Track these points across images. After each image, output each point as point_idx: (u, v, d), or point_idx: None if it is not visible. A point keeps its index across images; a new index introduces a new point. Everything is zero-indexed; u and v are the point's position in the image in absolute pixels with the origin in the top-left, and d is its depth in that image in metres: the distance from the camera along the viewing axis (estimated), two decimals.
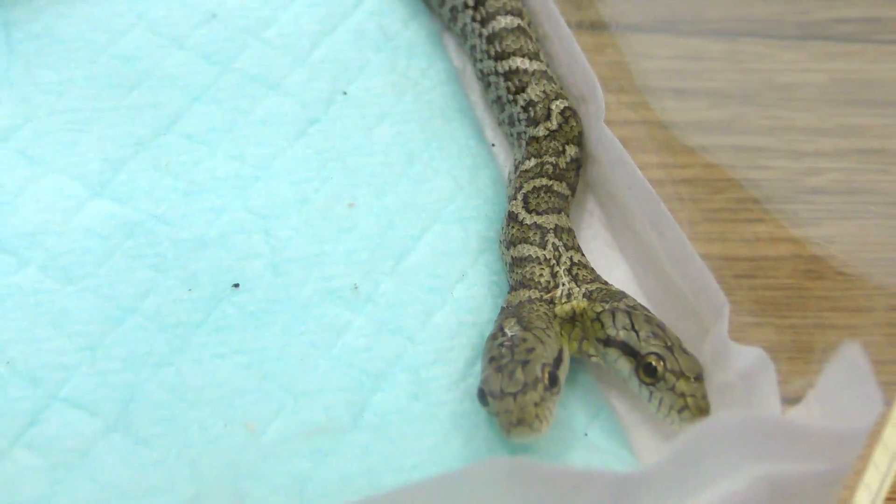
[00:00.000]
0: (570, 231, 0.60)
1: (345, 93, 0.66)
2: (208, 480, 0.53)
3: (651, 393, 0.53)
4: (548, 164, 0.62)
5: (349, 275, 0.59)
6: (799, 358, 0.54)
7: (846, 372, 0.45)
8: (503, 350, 0.53)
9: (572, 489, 0.44)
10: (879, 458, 0.46)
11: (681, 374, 0.53)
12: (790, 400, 0.51)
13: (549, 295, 0.57)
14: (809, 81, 0.74)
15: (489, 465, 0.43)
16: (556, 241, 0.59)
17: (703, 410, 0.53)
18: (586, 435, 0.54)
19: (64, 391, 0.55)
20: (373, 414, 0.55)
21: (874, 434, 0.45)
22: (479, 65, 0.67)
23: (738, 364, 0.52)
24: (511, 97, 0.64)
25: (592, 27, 0.73)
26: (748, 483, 0.45)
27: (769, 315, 0.61)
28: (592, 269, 0.59)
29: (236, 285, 0.58)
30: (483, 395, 0.52)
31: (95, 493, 0.52)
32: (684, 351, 0.54)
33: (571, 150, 0.62)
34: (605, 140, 0.61)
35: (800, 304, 0.63)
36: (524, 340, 0.53)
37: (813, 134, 0.71)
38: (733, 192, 0.68)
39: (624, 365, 0.54)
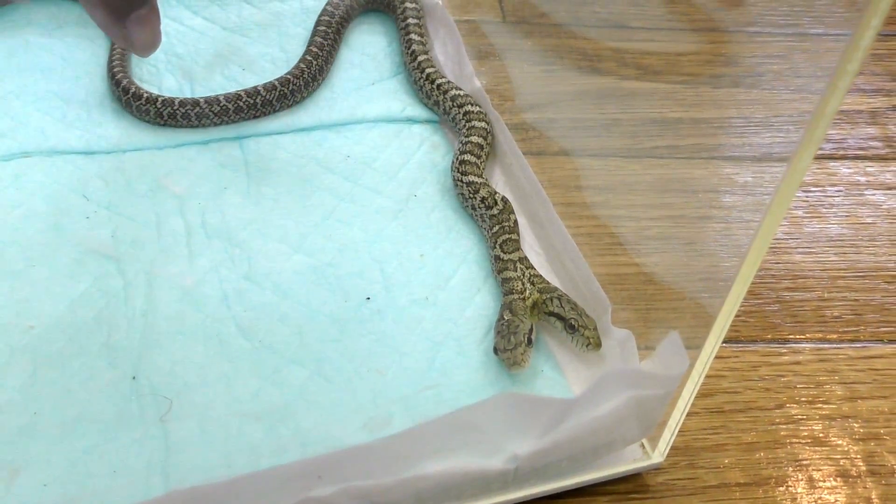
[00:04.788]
0: (525, 259, 0.62)
1: (415, 195, 0.67)
2: (362, 399, 0.54)
3: (573, 337, 0.57)
4: (506, 225, 0.63)
5: (423, 292, 0.60)
6: (645, 333, 0.56)
7: (671, 346, 0.48)
8: (503, 326, 0.56)
9: (540, 406, 0.47)
10: (686, 388, 0.49)
11: (586, 327, 0.56)
12: (642, 357, 0.55)
13: (523, 296, 0.59)
14: (643, 180, 0.75)
15: (498, 397, 0.46)
16: (521, 265, 0.61)
17: (599, 344, 0.56)
18: (543, 371, 0.57)
19: (288, 355, 0.56)
20: (438, 363, 0.56)
21: (684, 375, 0.48)
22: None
23: (616, 338, 0.56)
24: (471, 196, 0.66)
25: (537, 154, 0.73)
26: (624, 400, 0.48)
27: (628, 305, 0.62)
28: (541, 275, 0.61)
29: (368, 298, 0.60)
30: (495, 350, 0.56)
31: (310, 406, 0.53)
32: (587, 315, 0.57)
33: (514, 217, 0.64)
34: (553, 219, 0.64)
35: (643, 298, 0.65)
36: (513, 321, 0.56)
37: (646, 209, 0.72)
38: (608, 239, 0.69)
39: (559, 324, 0.57)
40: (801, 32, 0.95)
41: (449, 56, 0.78)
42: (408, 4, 0.80)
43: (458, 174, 0.67)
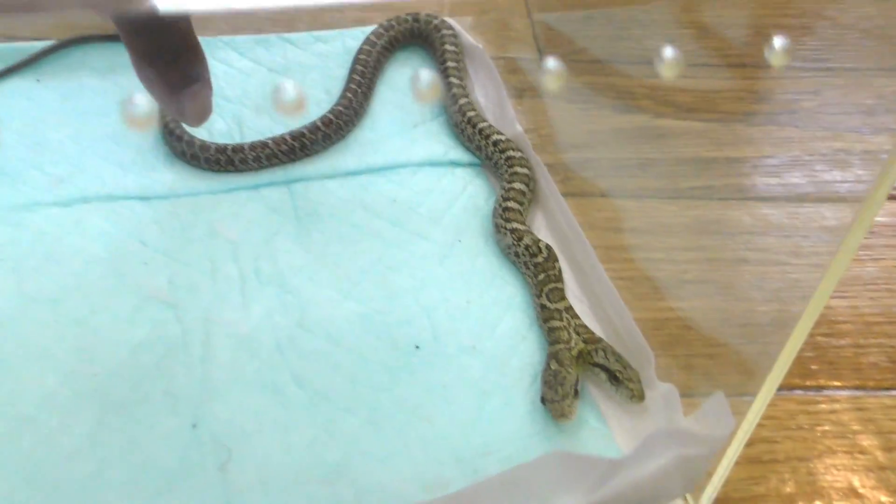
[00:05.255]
0: (571, 308, 0.63)
1: (460, 240, 0.68)
2: (414, 451, 0.55)
3: (616, 388, 0.58)
4: (551, 274, 0.65)
5: (470, 340, 0.62)
6: (685, 381, 0.57)
7: (716, 406, 0.50)
8: (550, 377, 0.58)
9: (588, 465, 0.49)
10: (732, 446, 0.50)
11: (630, 379, 0.58)
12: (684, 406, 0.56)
13: (568, 346, 0.60)
14: (679, 222, 0.76)
15: (548, 456, 0.48)
16: (567, 315, 0.62)
17: (643, 396, 0.57)
18: (588, 422, 0.58)
19: (341, 404, 0.57)
20: (487, 410, 0.58)
21: (730, 435, 0.49)
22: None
23: (660, 391, 0.57)
24: (515, 243, 0.67)
25: (576, 195, 0.74)
26: (670, 459, 0.49)
27: (667, 351, 0.63)
28: (585, 325, 0.62)
29: (417, 346, 0.61)
30: (543, 400, 0.57)
31: (365, 459, 0.54)
32: (631, 367, 0.59)
33: (558, 265, 0.66)
34: (595, 266, 0.65)
35: (682, 344, 0.65)
36: (559, 372, 0.58)
37: (682, 251, 0.73)
38: (647, 283, 0.70)
39: (603, 375, 0.59)
40: (829, 67, 0.95)
41: (490, 99, 0.79)
42: (447, 47, 0.82)
43: (502, 220, 0.68)
